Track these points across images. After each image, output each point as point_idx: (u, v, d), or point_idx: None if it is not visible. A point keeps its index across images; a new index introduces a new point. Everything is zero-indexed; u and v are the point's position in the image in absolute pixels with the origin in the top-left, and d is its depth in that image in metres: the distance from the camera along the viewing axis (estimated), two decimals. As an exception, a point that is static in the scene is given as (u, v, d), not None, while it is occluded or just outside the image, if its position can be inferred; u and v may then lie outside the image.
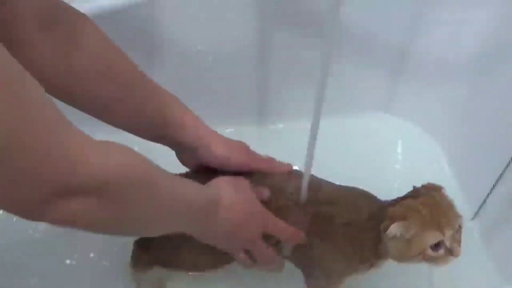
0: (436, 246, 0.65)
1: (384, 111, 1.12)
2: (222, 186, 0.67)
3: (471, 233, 0.95)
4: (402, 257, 0.68)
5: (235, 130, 1.07)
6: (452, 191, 1.01)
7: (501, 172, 0.84)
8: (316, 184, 0.73)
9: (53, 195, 0.42)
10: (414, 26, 0.99)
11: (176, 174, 0.65)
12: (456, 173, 1.04)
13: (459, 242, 0.66)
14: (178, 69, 1.01)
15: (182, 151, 0.74)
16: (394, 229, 0.64)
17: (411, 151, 1.05)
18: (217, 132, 0.75)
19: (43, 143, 0.40)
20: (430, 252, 0.65)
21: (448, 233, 0.64)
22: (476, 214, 0.94)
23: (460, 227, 0.67)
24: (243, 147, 0.75)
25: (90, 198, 0.44)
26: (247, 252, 0.71)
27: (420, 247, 0.65)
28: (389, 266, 0.90)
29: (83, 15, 0.65)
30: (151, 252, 0.78)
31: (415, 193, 0.68)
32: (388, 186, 0.91)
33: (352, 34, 1.00)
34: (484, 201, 0.90)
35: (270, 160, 0.75)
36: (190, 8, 0.94)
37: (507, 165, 0.83)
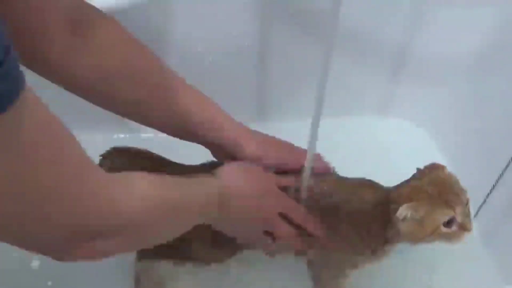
0: (448, 223, 0.65)
1: (384, 111, 1.12)
2: (231, 173, 0.67)
3: (471, 233, 0.95)
4: (416, 239, 0.68)
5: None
6: (452, 191, 1.01)
7: (501, 172, 0.84)
8: (320, 176, 0.73)
9: (82, 238, 0.45)
10: (414, 26, 0.99)
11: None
12: (456, 173, 1.03)
13: (469, 216, 0.67)
14: (178, 69, 1.00)
15: (216, 149, 0.74)
16: (403, 210, 0.64)
17: (411, 151, 1.05)
18: (251, 129, 0.74)
19: (74, 190, 0.42)
20: (443, 229, 0.65)
21: (459, 209, 0.65)
22: (476, 213, 0.94)
23: (468, 201, 0.68)
24: (279, 146, 0.75)
25: (116, 237, 0.48)
26: (268, 234, 0.70)
27: (433, 226, 0.65)
28: (389, 266, 0.90)
29: (111, 18, 0.66)
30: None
31: (419, 174, 0.69)
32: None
33: (352, 34, 0.99)
34: (484, 201, 0.90)
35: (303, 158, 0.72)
36: (190, 8, 0.94)
37: (507, 165, 0.83)
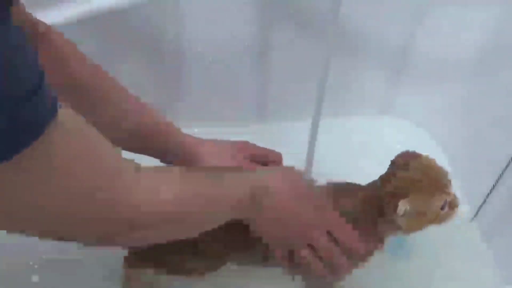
0: (442, 207, 0.66)
1: (384, 111, 1.12)
2: (270, 172, 0.65)
3: (471, 233, 0.95)
4: (418, 228, 0.68)
5: (235, 130, 1.07)
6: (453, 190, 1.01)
7: (501, 172, 0.84)
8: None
9: (123, 229, 0.50)
10: (414, 26, 0.99)
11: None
12: (456, 173, 1.03)
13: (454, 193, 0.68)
14: (178, 69, 1.01)
15: (169, 161, 0.73)
16: (403, 206, 0.64)
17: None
18: (204, 139, 0.74)
19: (111, 191, 0.47)
20: (441, 213, 0.66)
21: (450, 191, 0.66)
22: (476, 214, 0.94)
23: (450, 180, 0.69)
24: (228, 151, 0.74)
25: (151, 229, 0.52)
26: (312, 249, 0.65)
27: (434, 213, 0.66)
28: (389, 266, 0.90)
29: (58, 32, 0.65)
30: (142, 252, 0.77)
31: (402, 165, 0.68)
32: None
33: (352, 34, 0.99)
34: (484, 201, 0.90)
35: (252, 167, 0.73)
36: (190, 8, 0.94)
37: (507, 165, 0.83)
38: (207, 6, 0.94)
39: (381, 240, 0.72)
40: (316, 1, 0.94)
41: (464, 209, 0.98)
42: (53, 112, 0.39)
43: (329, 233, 0.65)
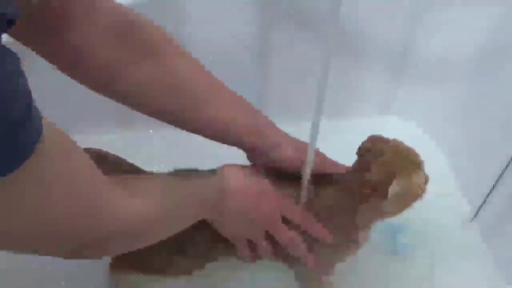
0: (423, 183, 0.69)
1: (384, 112, 1.12)
2: (228, 172, 0.67)
3: (471, 233, 0.95)
4: (402, 210, 0.70)
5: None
6: (453, 191, 1.01)
7: (501, 172, 0.84)
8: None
9: (90, 241, 0.51)
10: (414, 26, 0.99)
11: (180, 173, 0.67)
12: (456, 173, 1.04)
13: None
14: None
15: (253, 154, 0.74)
16: (393, 189, 0.65)
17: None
18: (288, 134, 0.74)
19: (85, 208, 0.49)
20: (420, 190, 0.68)
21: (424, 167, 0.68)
22: (476, 214, 0.94)
23: None
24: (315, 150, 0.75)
25: (121, 240, 0.55)
26: (269, 237, 0.71)
27: (417, 191, 0.68)
28: (389, 266, 0.90)
29: (157, 27, 0.66)
30: (127, 256, 0.77)
31: (375, 152, 0.69)
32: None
33: (352, 34, 0.99)
34: (484, 201, 0.90)
35: (339, 166, 0.74)
36: (190, 8, 0.94)
37: (507, 165, 0.83)
38: (207, 6, 0.94)
39: (363, 229, 0.73)
40: (316, 1, 0.94)
41: (464, 209, 0.98)
42: (37, 136, 0.40)
43: (286, 221, 0.70)
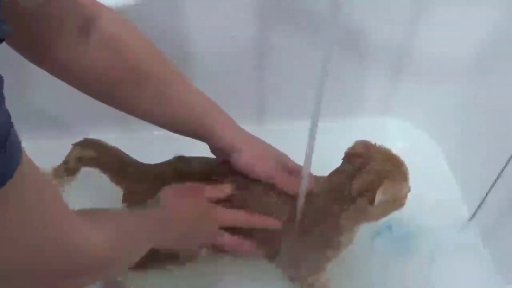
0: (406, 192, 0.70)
1: (384, 112, 1.12)
2: (167, 196, 0.71)
3: (470, 232, 0.95)
4: (384, 216, 0.71)
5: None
6: (452, 191, 1.02)
7: (500, 172, 0.84)
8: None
9: (59, 278, 0.51)
10: (414, 26, 0.99)
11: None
12: (455, 173, 1.04)
13: None
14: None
15: (216, 150, 0.77)
16: (380, 195, 0.66)
17: (411, 152, 1.04)
18: (252, 136, 0.77)
19: (55, 242, 0.49)
20: (403, 200, 0.70)
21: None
22: (475, 214, 0.94)
23: None
24: (273, 159, 0.76)
25: (85, 275, 0.55)
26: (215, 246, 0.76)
27: (400, 200, 0.69)
28: (389, 266, 0.90)
29: (124, 21, 0.67)
30: None
31: (357, 157, 0.70)
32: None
33: (352, 34, 1.00)
34: (483, 200, 0.90)
35: (292, 181, 0.74)
36: (190, 8, 0.94)
37: (506, 165, 0.83)
38: (207, 6, 0.94)
39: (347, 232, 0.73)
40: (316, 1, 0.94)
41: (463, 209, 0.98)
42: (16, 163, 0.40)
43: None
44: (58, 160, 0.81)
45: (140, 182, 0.78)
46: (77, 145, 0.79)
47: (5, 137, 0.38)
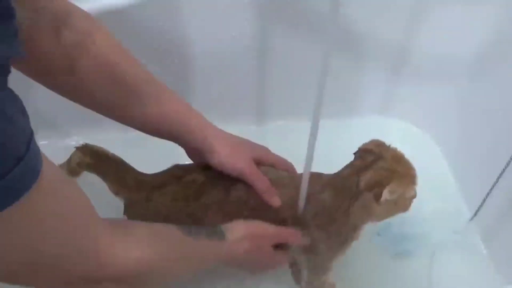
0: (412, 196, 0.70)
1: (384, 112, 1.12)
2: (236, 233, 0.69)
3: (471, 233, 0.95)
4: (388, 217, 0.71)
5: (234, 130, 1.07)
6: (452, 191, 1.01)
7: (500, 172, 0.84)
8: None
9: (85, 283, 0.52)
10: (414, 26, 0.99)
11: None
12: (456, 173, 1.04)
13: None
14: (178, 69, 1.01)
15: (190, 150, 0.77)
16: (387, 193, 0.66)
17: (411, 152, 1.05)
18: (225, 134, 0.76)
19: (81, 248, 0.49)
20: (407, 203, 0.70)
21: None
22: (475, 214, 0.94)
23: None
24: (247, 154, 0.76)
25: (117, 284, 0.54)
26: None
27: (405, 202, 0.70)
28: (389, 266, 0.90)
29: (93, 20, 0.66)
30: None
31: (376, 154, 0.70)
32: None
33: (352, 34, 1.00)
34: (484, 201, 0.90)
35: (266, 185, 0.74)
36: (190, 8, 0.94)
37: (507, 165, 0.83)
38: (207, 6, 0.94)
39: (355, 229, 0.73)
40: (316, 1, 0.94)
41: (463, 209, 0.98)
42: (35, 174, 0.41)
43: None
44: (57, 160, 0.81)
45: (138, 192, 0.77)
46: (78, 149, 0.79)
47: (27, 148, 0.39)
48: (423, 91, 1.06)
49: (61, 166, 0.83)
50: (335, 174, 0.73)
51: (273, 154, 0.80)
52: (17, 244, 0.43)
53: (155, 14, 0.93)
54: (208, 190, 0.75)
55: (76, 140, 0.81)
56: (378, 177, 0.67)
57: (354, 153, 0.73)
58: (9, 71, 0.38)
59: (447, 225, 0.95)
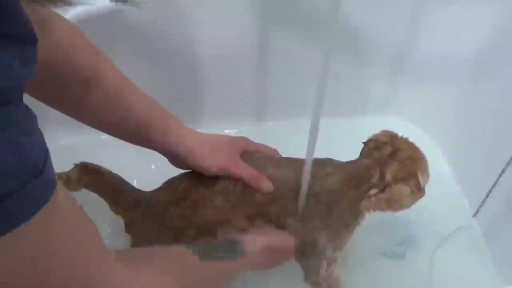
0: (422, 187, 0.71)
1: (384, 112, 1.12)
2: (253, 245, 0.69)
3: (471, 232, 0.95)
4: (410, 206, 0.72)
5: (235, 130, 1.07)
6: (452, 190, 1.01)
7: (500, 172, 0.84)
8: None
9: None
10: (414, 26, 0.99)
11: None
12: (456, 173, 1.04)
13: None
14: (178, 69, 1.01)
15: (172, 157, 0.76)
16: (404, 187, 0.68)
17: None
18: (202, 135, 0.75)
19: (88, 279, 0.47)
20: (417, 193, 0.71)
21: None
22: (475, 214, 0.94)
23: None
24: (227, 148, 0.75)
25: None
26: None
27: (419, 194, 0.71)
28: (389, 266, 0.90)
29: (71, 25, 0.65)
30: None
31: (386, 145, 0.71)
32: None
33: (352, 34, 1.00)
34: (484, 200, 0.90)
35: (252, 172, 0.74)
36: (190, 9, 0.94)
37: (507, 165, 0.83)
38: (207, 6, 0.94)
39: (359, 216, 0.73)
40: (316, 1, 0.94)
41: (463, 209, 0.98)
42: (49, 194, 0.40)
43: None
44: (57, 160, 0.81)
45: (135, 209, 0.77)
46: (76, 167, 0.79)
47: (44, 161, 0.39)
48: (423, 91, 1.06)
49: (59, 175, 0.82)
50: (350, 161, 0.73)
51: (254, 143, 0.79)
52: (25, 264, 0.42)
53: (155, 14, 0.93)
54: (194, 188, 0.75)
55: (77, 139, 0.81)
56: (407, 168, 0.69)
57: (364, 143, 0.73)
58: (23, 91, 0.38)
59: (447, 225, 0.95)
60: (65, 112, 0.69)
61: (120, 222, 0.80)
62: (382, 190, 0.69)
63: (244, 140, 0.79)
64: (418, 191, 0.69)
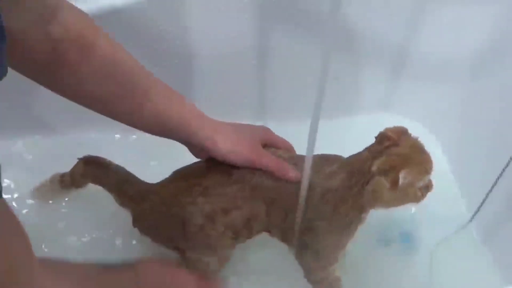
0: (422, 187, 0.70)
1: (384, 110, 1.12)
2: (144, 269, 0.70)
3: (470, 233, 0.95)
4: (396, 205, 0.71)
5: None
6: (452, 190, 1.02)
7: (500, 172, 0.84)
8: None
9: None
10: (414, 25, 1.00)
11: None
12: (455, 172, 1.04)
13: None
14: (177, 69, 1.01)
15: (191, 146, 0.75)
16: (403, 177, 0.66)
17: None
18: (224, 124, 0.74)
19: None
20: (417, 194, 0.70)
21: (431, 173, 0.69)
22: (475, 213, 0.94)
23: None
24: (250, 140, 0.74)
25: None
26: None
27: (414, 191, 0.69)
28: (389, 266, 0.90)
29: (85, 15, 0.65)
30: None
31: (391, 140, 0.70)
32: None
33: (352, 34, 1.00)
34: (484, 200, 0.90)
35: (278, 162, 0.73)
36: (191, 9, 0.94)
37: (507, 165, 0.83)
38: (207, 6, 0.94)
39: (364, 211, 0.73)
40: (316, 1, 0.94)
41: (463, 209, 0.98)
42: None
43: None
44: (57, 159, 0.81)
45: (142, 202, 0.77)
46: (81, 161, 0.80)
47: None
48: (423, 89, 1.06)
49: (64, 176, 0.82)
50: (353, 155, 0.73)
51: (274, 134, 0.79)
52: None
53: (155, 14, 0.93)
54: (208, 174, 0.74)
55: (77, 139, 0.81)
56: (390, 162, 0.67)
57: (376, 137, 0.72)
58: None
59: (447, 224, 0.95)
60: (62, 92, 0.68)
61: (123, 218, 0.80)
62: (367, 182, 0.68)
63: (265, 129, 0.79)
64: (395, 188, 0.66)
